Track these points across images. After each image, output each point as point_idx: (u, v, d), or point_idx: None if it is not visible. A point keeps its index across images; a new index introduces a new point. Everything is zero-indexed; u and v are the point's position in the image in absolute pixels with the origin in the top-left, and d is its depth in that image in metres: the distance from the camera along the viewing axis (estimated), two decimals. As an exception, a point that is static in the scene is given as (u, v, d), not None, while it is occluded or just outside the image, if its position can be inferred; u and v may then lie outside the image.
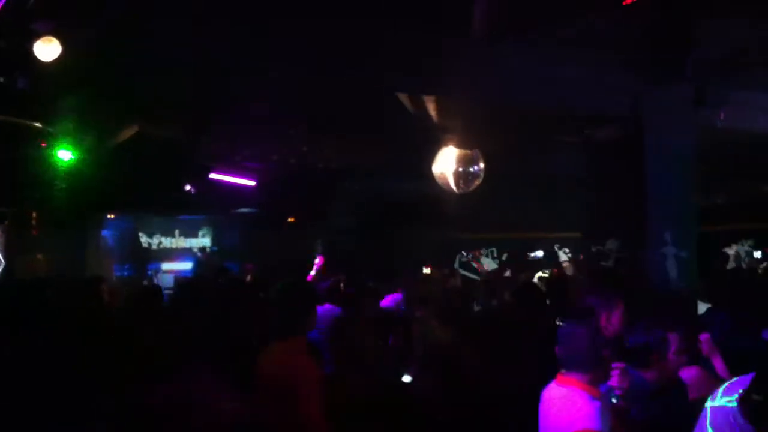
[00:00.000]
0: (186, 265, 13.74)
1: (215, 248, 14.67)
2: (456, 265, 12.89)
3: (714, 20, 6.05)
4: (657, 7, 5.87)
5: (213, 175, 10.50)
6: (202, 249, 14.54)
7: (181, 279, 10.72)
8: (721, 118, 8.02)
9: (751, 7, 5.67)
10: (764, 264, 10.09)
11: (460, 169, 7.76)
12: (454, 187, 7.84)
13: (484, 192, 8.18)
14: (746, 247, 10.56)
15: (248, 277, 8.91)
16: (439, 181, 7.74)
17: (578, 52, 6.61)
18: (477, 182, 7.82)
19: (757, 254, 10.18)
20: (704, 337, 4.12)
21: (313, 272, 8.99)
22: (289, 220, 13.64)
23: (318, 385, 3.31)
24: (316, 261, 9.17)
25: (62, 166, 8.57)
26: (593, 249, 10.01)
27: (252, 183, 10.95)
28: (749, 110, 8.11)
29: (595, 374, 3.12)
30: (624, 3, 5.41)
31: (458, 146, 7.73)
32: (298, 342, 3.57)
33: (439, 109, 7.47)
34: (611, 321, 4.06)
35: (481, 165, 7.80)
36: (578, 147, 9.23)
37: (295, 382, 3.30)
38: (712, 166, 9.17)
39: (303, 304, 3.68)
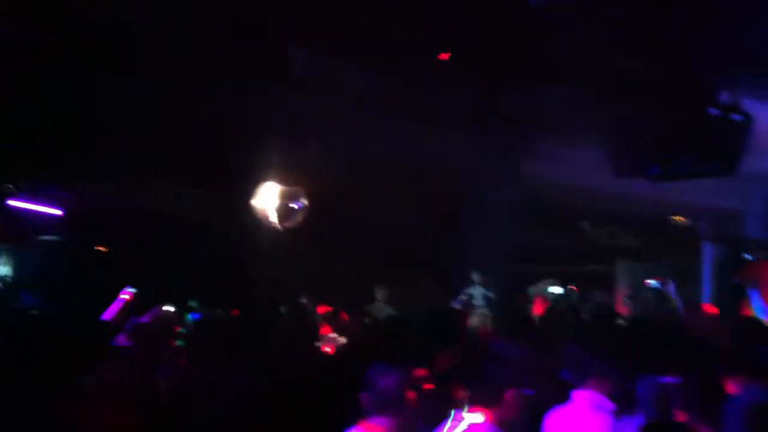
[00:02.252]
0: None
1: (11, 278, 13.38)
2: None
3: (525, 85, 6.43)
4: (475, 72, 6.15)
5: (11, 202, 9.64)
6: None
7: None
8: (536, 171, 8.56)
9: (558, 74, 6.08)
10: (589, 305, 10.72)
11: (282, 204, 7.66)
12: (276, 222, 7.73)
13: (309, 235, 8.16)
14: (550, 287, 11.20)
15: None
16: (260, 215, 7.59)
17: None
18: (299, 218, 7.74)
19: (557, 290, 10.85)
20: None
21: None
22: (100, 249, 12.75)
23: None
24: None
25: None
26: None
27: (58, 212, 10.18)
28: (561, 164, 8.69)
29: (398, 421, 3.08)
30: (440, 57, 5.62)
31: (281, 182, 7.66)
32: None
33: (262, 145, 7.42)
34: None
35: (304, 201, 7.75)
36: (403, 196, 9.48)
37: None
38: (530, 213, 9.71)
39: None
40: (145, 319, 5.40)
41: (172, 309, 6.02)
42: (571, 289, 11.14)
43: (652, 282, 10.58)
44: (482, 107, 7.13)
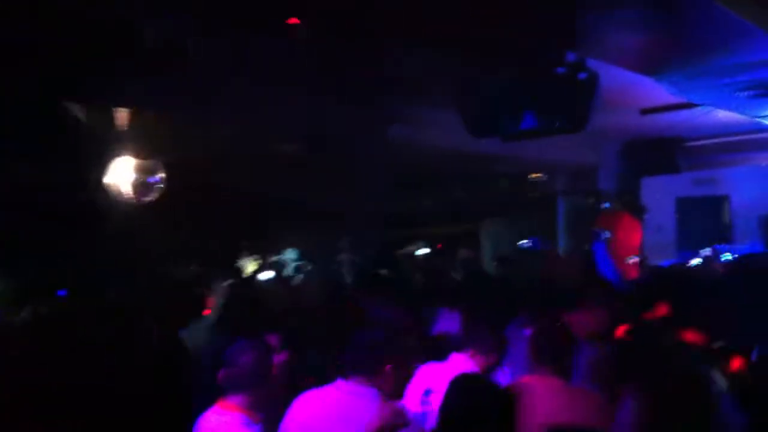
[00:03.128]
0: None
1: None
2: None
3: (396, 48, 6.41)
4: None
5: None
6: None
7: None
8: (400, 135, 8.60)
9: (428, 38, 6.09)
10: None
11: (138, 179, 7.31)
12: (132, 197, 7.39)
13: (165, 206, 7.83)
14: (419, 249, 11.40)
15: None
16: (113, 191, 7.20)
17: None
18: (156, 193, 7.43)
19: (424, 251, 11.05)
20: None
21: None
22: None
23: None
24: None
25: None
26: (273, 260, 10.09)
27: None
28: (423, 127, 8.79)
29: (256, 397, 3.03)
30: (289, 21, 5.51)
31: (136, 156, 7.29)
32: None
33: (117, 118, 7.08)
34: None
35: (161, 175, 7.44)
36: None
37: None
38: (400, 177, 9.78)
39: None
40: None
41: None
42: (439, 249, 11.40)
43: (524, 242, 10.99)
44: (346, 72, 7.07)
